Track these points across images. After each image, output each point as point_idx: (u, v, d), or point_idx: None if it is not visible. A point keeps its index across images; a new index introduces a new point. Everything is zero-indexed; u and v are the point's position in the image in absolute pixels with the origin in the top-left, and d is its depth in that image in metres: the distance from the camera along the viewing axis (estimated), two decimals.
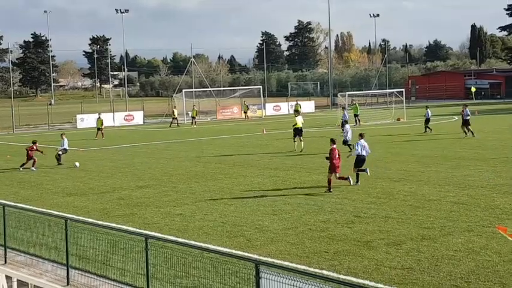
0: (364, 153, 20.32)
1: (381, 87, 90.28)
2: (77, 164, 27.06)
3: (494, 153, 26.52)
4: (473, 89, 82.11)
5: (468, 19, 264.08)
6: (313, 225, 14.57)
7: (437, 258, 11.67)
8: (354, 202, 17.09)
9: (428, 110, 38.00)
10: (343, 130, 38.30)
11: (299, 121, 30.55)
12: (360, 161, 20.24)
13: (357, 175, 19.99)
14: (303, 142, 30.04)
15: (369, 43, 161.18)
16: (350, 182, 19.41)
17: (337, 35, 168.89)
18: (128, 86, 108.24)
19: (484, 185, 18.95)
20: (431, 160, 25.05)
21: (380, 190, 18.68)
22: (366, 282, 10.47)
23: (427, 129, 37.50)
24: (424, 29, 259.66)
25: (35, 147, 27.08)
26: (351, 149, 25.12)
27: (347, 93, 57.67)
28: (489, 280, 10.41)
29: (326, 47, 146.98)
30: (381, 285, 10.32)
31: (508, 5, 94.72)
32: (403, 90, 58.99)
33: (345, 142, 27.86)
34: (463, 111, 34.59)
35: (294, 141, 30.35)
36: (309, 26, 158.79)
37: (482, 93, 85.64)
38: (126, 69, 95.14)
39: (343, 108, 44.70)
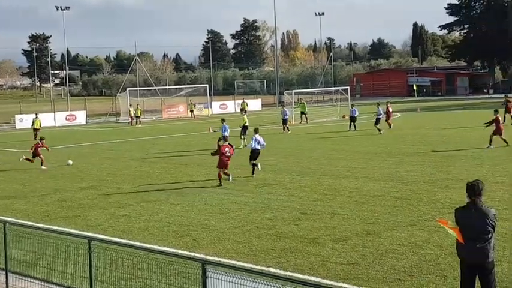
0: (258, 147, 21.43)
1: (327, 85, 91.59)
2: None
3: (436, 148, 27.21)
4: (415, 86, 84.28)
5: (410, 18, 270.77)
6: (260, 223, 14.56)
7: (381, 253, 11.84)
8: (301, 199, 17.19)
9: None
10: (284, 128, 38.78)
11: (246, 119, 31.65)
12: (254, 154, 21.39)
13: (253, 167, 21.14)
14: (246, 139, 30.43)
15: (315, 41, 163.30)
16: (229, 179, 20.01)
17: (283, 33, 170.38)
18: (69, 85, 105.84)
19: (426, 180, 19.40)
20: (375, 156, 25.49)
21: (326, 187, 18.86)
22: (312, 278, 10.52)
23: (353, 127, 37.90)
24: (368, 28, 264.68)
25: (40, 144, 26.71)
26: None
27: (293, 91, 58.08)
28: (431, 273, 10.63)
29: (272, 45, 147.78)
30: (327, 281, 10.37)
31: (448, 4, 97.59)
32: (348, 88, 59.95)
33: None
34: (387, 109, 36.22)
35: (242, 139, 30.73)
36: (255, 24, 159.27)
37: (424, 90, 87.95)
38: (67, 68, 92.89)
39: (283, 105, 45.25)
